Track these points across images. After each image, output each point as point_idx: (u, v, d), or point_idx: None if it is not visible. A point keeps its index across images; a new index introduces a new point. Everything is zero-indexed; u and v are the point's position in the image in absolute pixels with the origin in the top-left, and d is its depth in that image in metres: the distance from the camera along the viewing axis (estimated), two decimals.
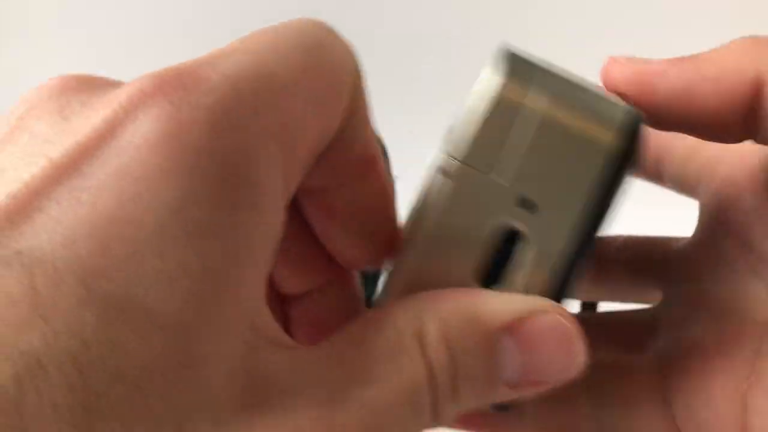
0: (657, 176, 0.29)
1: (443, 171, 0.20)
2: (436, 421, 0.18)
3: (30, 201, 0.15)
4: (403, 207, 0.23)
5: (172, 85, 0.16)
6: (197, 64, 0.17)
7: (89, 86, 0.18)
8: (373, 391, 0.17)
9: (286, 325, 0.25)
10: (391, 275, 0.22)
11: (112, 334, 0.14)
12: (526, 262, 0.21)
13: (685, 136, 0.25)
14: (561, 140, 0.20)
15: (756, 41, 0.23)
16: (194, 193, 0.16)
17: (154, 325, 0.15)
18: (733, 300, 0.27)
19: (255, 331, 0.17)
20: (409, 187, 0.23)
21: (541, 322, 0.20)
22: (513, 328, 0.19)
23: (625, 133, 0.20)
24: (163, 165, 0.16)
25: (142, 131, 0.16)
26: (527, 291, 0.21)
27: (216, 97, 0.16)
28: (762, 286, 0.27)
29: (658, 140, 0.28)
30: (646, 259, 0.28)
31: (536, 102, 0.20)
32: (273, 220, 0.18)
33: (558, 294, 0.21)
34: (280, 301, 0.25)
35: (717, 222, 0.28)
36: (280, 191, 0.18)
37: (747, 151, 0.27)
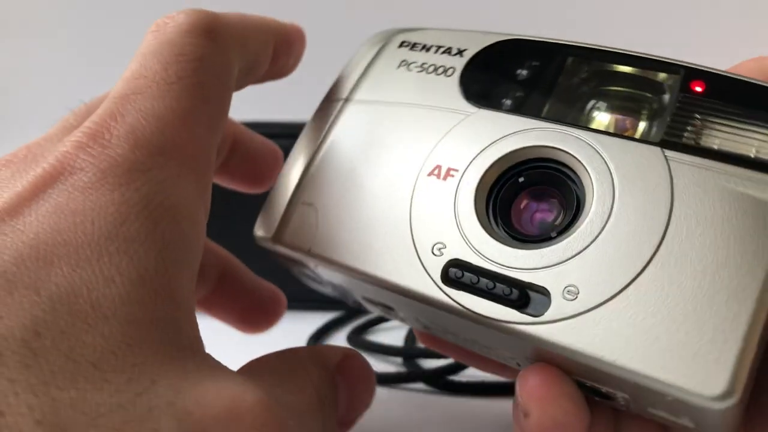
0: None
1: None
2: None
3: None
4: None
5: (89, 144, 0.21)
6: (105, 120, 0.22)
7: (15, 159, 0.23)
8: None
9: None
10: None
11: (62, 324, 0.18)
12: None
13: None
14: None
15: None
16: (123, 219, 0.20)
17: (101, 316, 0.19)
18: None
19: (180, 319, 0.21)
20: None
21: None
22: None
23: None
24: (95, 201, 0.20)
25: (72, 182, 0.21)
26: None
27: (127, 146, 0.21)
28: None
29: None
30: None
31: None
32: (191, 230, 0.22)
33: None
34: None
35: None
36: (197, 209, 0.23)
37: None
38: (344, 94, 0.30)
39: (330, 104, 0.31)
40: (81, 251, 0.19)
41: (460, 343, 0.31)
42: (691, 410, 0.22)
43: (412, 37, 0.30)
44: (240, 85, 0.27)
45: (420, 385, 0.40)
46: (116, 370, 0.18)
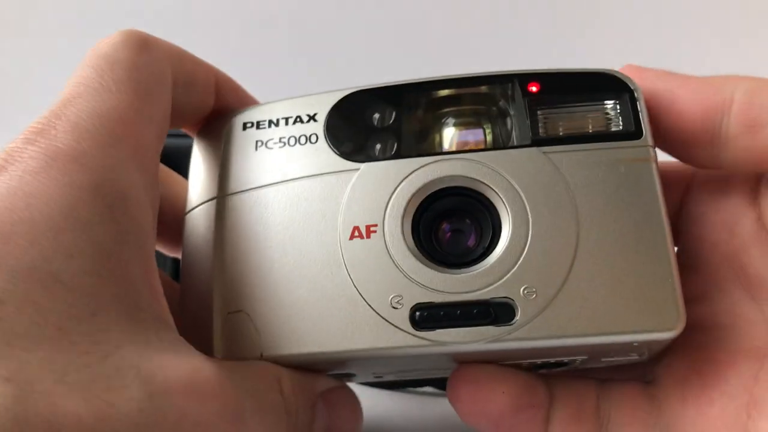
0: None
1: None
2: None
3: None
4: None
5: (36, 139, 0.22)
6: (49, 119, 0.23)
7: None
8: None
9: None
10: None
11: (25, 292, 0.19)
12: None
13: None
14: None
15: (738, 76, 0.27)
16: (76, 200, 0.21)
17: (62, 286, 0.20)
18: (728, 325, 0.27)
19: (139, 297, 0.22)
20: None
21: None
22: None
23: None
24: (47, 184, 0.21)
25: (22, 167, 0.22)
26: None
27: (72, 138, 0.23)
28: (757, 309, 0.27)
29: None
30: None
31: None
32: (142, 218, 0.24)
33: None
34: None
35: (708, 244, 0.29)
36: (145, 197, 0.24)
37: (742, 177, 0.28)
38: (211, 193, 0.29)
39: (200, 210, 0.29)
40: (38, 228, 0.20)
41: (398, 377, 0.32)
42: (647, 345, 0.27)
43: (253, 116, 0.30)
44: (186, 113, 0.30)
45: (429, 389, 0.41)
46: (82, 334, 0.19)
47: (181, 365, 0.21)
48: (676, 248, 0.27)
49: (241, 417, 0.22)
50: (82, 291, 0.20)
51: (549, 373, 0.30)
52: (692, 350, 0.28)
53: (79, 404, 0.18)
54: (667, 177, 0.30)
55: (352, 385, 0.31)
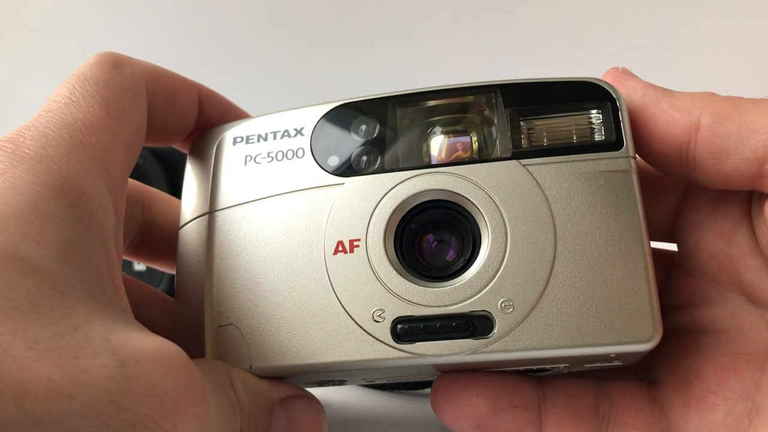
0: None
1: None
2: None
3: None
4: None
5: (6, 146, 0.24)
6: (20, 130, 0.25)
7: None
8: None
9: None
10: None
11: None
12: None
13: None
14: None
15: (707, 95, 0.27)
16: (41, 195, 0.23)
17: (31, 267, 0.21)
18: (730, 328, 0.28)
19: (104, 285, 0.23)
20: None
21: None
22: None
23: None
24: (13, 181, 0.23)
25: None
26: None
27: (39, 145, 0.24)
28: (757, 313, 0.28)
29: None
30: None
31: None
32: (104, 218, 0.25)
33: None
34: None
35: (706, 252, 0.29)
36: (105, 199, 0.25)
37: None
38: (203, 209, 0.30)
39: (193, 225, 0.30)
40: (5, 219, 0.22)
41: (389, 381, 0.33)
42: (626, 355, 0.27)
43: (242, 131, 0.31)
44: (168, 128, 0.31)
45: (429, 390, 0.43)
46: (52, 308, 0.20)
47: (148, 340, 0.22)
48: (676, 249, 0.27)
49: (203, 397, 0.22)
50: (50, 273, 0.21)
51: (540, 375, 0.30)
52: (694, 353, 0.28)
53: (51, 369, 0.19)
54: (664, 180, 0.30)
55: (343, 388, 0.32)
